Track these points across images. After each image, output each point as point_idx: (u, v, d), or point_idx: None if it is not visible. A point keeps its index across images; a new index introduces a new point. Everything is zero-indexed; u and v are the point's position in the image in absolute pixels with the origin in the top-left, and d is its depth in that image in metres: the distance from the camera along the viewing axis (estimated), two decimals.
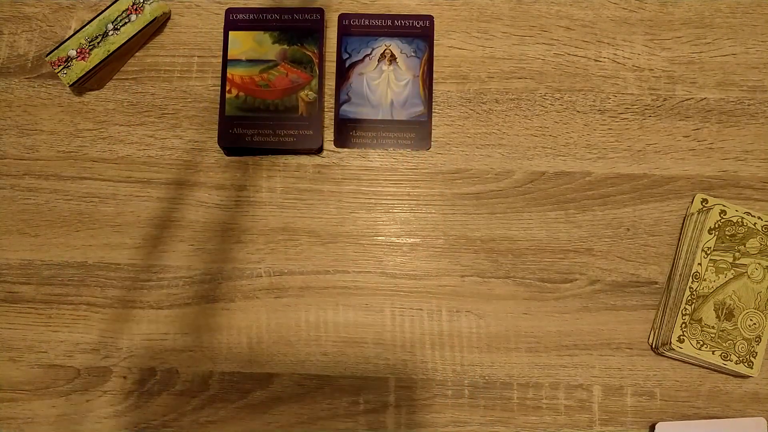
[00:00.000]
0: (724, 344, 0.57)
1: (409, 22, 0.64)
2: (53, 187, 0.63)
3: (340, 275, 0.61)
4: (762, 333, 0.57)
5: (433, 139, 0.63)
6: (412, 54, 0.64)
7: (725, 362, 0.57)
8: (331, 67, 0.64)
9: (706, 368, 0.59)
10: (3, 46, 0.65)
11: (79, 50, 0.63)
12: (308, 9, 0.64)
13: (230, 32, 0.64)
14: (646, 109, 0.63)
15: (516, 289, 0.61)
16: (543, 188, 0.62)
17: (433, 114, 0.63)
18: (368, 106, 0.63)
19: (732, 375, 0.59)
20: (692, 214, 0.61)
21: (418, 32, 0.64)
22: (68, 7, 0.66)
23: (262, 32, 0.64)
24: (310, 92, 0.63)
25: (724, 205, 0.59)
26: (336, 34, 0.64)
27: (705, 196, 0.61)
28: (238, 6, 0.65)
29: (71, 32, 0.65)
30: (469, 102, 0.63)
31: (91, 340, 0.61)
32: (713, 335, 0.57)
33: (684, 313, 0.57)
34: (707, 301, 0.58)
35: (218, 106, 0.63)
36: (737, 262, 0.58)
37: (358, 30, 0.64)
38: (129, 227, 0.62)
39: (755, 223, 0.58)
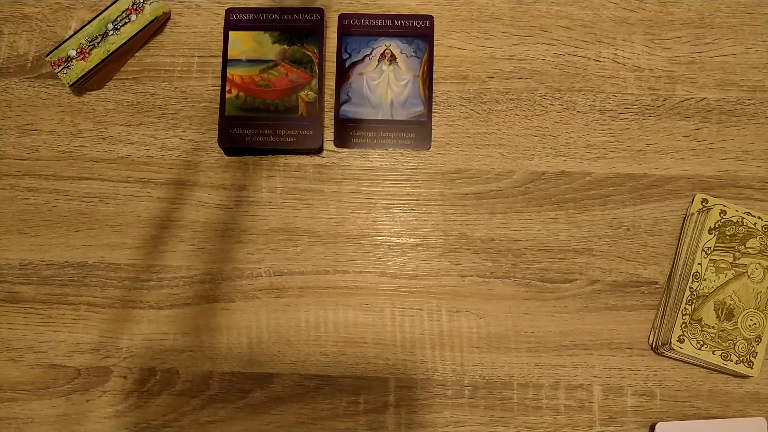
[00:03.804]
0: (724, 344, 0.57)
1: (409, 22, 0.64)
2: (53, 187, 0.63)
3: (340, 275, 0.61)
4: (762, 333, 0.57)
5: (433, 139, 0.63)
6: (412, 54, 0.64)
7: (725, 362, 0.57)
8: (331, 67, 0.64)
9: (706, 368, 0.59)
10: (3, 46, 0.65)
11: (79, 50, 0.63)
12: (308, 9, 0.64)
13: (230, 32, 0.64)
14: (646, 109, 0.63)
15: (516, 289, 0.61)
16: (543, 188, 0.62)
17: (433, 114, 0.63)
18: (368, 106, 0.63)
19: (732, 375, 0.59)
20: (692, 214, 0.61)
21: (418, 32, 0.64)
22: (68, 7, 0.66)
23: (262, 32, 0.64)
24: (310, 92, 0.63)
25: (724, 205, 0.59)
26: (336, 34, 0.64)
27: (705, 196, 0.61)
28: (238, 6, 0.65)
29: (71, 32, 0.65)
30: (469, 102, 0.64)
31: (91, 340, 0.61)
32: (713, 335, 0.57)
33: (684, 313, 0.57)
34: (707, 301, 0.58)
35: (218, 106, 0.63)
36: (737, 262, 0.58)
37: (358, 30, 0.64)
38: (129, 227, 0.62)
39: (755, 223, 0.58)
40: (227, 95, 0.63)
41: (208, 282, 0.61)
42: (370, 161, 0.63)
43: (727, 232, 0.58)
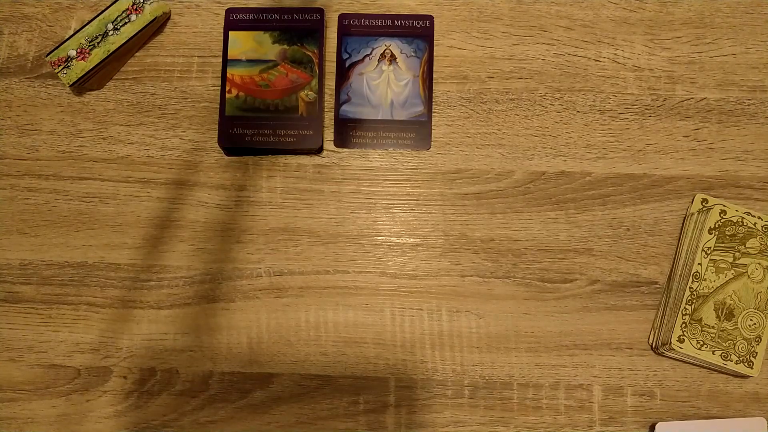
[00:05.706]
0: (724, 344, 0.57)
1: (409, 22, 0.64)
2: (53, 187, 0.63)
3: (340, 275, 0.61)
4: (762, 333, 0.57)
5: (433, 139, 0.63)
6: (412, 54, 0.64)
7: (725, 362, 0.57)
8: (331, 67, 0.64)
9: (706, 368, 0.59)
10: (3, 46, 0.65)
11: (79, 50, 0.63)
12: (308, 9, 0.64)
13: (230, 32, 0.64)
14: (646, 109, 0.63)
15: (516, 289, 0.61)
16: (543, 188, 0.62)
17: (433, 114, 0.63)
18: (368, 106, 0.63)
19: (732, 375, 0.59)
20: (692, 214, 0.61)
21: (418, 32, 0.64)
22: (68, 7, 0.66)
23: (262, 32, 0.64)
24: (310, 92, 0.63)
25: (724, 205, 0.59)
26: (336, 34, 0.64)
27: (705, 196, 0.61)
28: (238, 6, 0.65)
29: (71, 32, 0.65)
30: (469, 102, 0.64)
31: (91, 340, 0.61)
32: (713, 335, 0.57)
33: (684, 313, 0.57)
34: (707, 301, 0.58)
35: (218, 106, 0.63)
36: (737, 262, 0.58)
37: (358, 30, 0.64)
38: (129, 227, 0.62)
39: (755, 223, 0.58)
40: (227, 95, 0.63)
41: (208, 282, 0.61)
42: (370, 161, 0.63)
43: (727, 232, 0.58)
